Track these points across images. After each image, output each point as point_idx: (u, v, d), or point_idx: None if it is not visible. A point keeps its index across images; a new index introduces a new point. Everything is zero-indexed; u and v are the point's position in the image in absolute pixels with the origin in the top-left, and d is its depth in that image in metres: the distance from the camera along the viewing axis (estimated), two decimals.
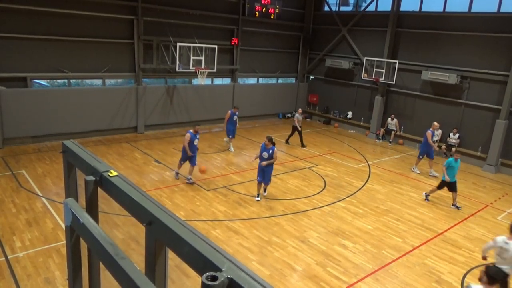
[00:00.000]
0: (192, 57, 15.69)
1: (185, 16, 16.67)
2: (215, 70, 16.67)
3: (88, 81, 15.33)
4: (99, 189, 2.73)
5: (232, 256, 1.74)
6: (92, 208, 2.75)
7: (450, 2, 16.35)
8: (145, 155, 13.60)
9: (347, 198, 11.18)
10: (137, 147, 14.48)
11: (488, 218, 10.69)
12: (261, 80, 21.14)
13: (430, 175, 13.84)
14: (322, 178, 12.69)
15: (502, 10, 14.97)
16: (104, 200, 2.83)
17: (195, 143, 11.09)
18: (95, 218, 2.74)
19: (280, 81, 22.01)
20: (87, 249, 2.75)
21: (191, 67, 15.77)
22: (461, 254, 8.58)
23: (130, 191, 2.43)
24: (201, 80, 16.57)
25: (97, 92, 15.20)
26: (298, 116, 16.27)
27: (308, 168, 13.56)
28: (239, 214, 9.61)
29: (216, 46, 16.43)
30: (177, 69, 15.64)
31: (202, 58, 16.05)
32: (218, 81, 19.15)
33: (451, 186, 10.97)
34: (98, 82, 15.47)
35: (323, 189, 11.76)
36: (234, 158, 14.16)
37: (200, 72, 16.22)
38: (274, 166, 13.16)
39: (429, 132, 13.67)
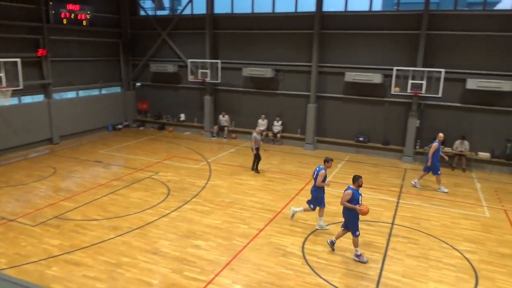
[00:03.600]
0: None
1: None
2: (21, 87, 14.29)
3: None
4: None
5: None
6: None
7: (257, 3, 18.03)
8: None
9: (193, 199, 11.23)
10: None
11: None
12: (81, 93, 19.28)
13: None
14: (165, 184, 12.42)
15: (299, 10, 17.27)
16: None
17: None
18: None
19: (103, 91, 20.49)
20: None
21: None
22: (298, 226, 9.63)
23: None
24: (5, 101, 13.99)
25: None
26: (256, 136, 13.53)
27: (148, 177, 13.06)
28: (78, 243, 8.56)
29: (18, 60, 14.08)
30: None
31: (2, 74, 13.58)
32: (27, 99, 16.59)
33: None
34: None
35: (168, 195, 11.52)
36: (62, 183, 12.54)
37: (2, 91, 13.71)
38: (112, 183, 12.34)
39: (435, 144, 12.07)
